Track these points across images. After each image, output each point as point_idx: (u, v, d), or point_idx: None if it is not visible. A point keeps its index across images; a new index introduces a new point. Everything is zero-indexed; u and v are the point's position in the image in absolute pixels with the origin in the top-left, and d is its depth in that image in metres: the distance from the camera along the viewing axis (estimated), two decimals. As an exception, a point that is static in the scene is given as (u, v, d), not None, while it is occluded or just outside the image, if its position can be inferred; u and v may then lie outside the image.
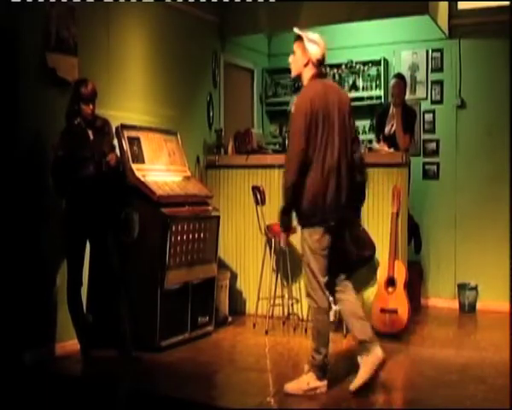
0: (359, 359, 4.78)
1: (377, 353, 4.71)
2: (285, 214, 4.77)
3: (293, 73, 4.87)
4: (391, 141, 7.11)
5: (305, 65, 4.73)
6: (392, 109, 7.42)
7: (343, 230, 4.82)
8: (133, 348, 5.53)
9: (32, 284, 5.48)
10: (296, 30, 4.82)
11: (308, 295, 4.79)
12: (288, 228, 4.85)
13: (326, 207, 4.63)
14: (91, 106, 5.35)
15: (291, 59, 4.83)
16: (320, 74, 4.80)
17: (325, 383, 4.77)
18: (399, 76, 7.60)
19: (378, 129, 7.57)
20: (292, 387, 4.78)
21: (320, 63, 4.76)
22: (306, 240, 4.71)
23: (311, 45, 4.71)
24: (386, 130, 7.36)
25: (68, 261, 5.45)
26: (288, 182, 4.64)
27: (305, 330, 6.45)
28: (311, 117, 4.57)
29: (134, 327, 5.59)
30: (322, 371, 4.76)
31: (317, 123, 4.59)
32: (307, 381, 4.75)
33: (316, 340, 4.76)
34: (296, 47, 4.78)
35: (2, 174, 5.29)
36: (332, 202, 4.63)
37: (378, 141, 7.28)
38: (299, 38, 4.78)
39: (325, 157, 4.61)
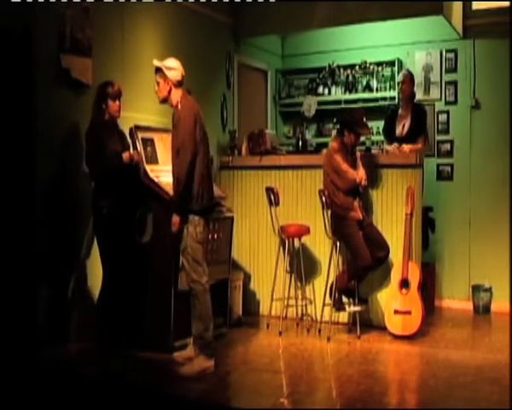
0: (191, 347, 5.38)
1: (203, 362, 5.23)
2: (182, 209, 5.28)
3: (160, 99, 5.44)
4: (403, 142, 6.99)
5: (169, 90, 5.33)
6: (400, 110, 7.30)
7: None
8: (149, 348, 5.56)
9: (53, 283, 5.53)
10: (155, 62, 5.37)
11: (194, 281, 5.29)
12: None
13: (208, 201, 5.35)
14: (118, 102, 5.48)
15: (156, 89, 5.40)
16: (186, 91, 5.43)
17: (213, 362, 5.25)
18: (407, 70, 7.55)
19: (388, 131, 7.42)
20: (186, 370, 5.20)
21: (180, 83, 5.36)
22: (192, 232, 5.28)
23: (169, 72, 5.31)
24: (398, 131, 7.23)
25: (105, 262, 5.48)
26: (184, 181, 5.18)
27: (319, 332, 6.45)
28: (195, 122, 5.29)
29: (148, 327, 5.59)
30: (209, 349, 5.24)
31: (198, 128, 5.32)
32: (199, 363, 5.21)
33: (204, 320, 5.26)
34: (158, 78, 5.36)
35: (19, 172, 5.33)
36: (209, 195, 5.39)
37: (390, 143, 7.20)
38: (158, 70, 5.35)
39: (203, 157, 5.33)
